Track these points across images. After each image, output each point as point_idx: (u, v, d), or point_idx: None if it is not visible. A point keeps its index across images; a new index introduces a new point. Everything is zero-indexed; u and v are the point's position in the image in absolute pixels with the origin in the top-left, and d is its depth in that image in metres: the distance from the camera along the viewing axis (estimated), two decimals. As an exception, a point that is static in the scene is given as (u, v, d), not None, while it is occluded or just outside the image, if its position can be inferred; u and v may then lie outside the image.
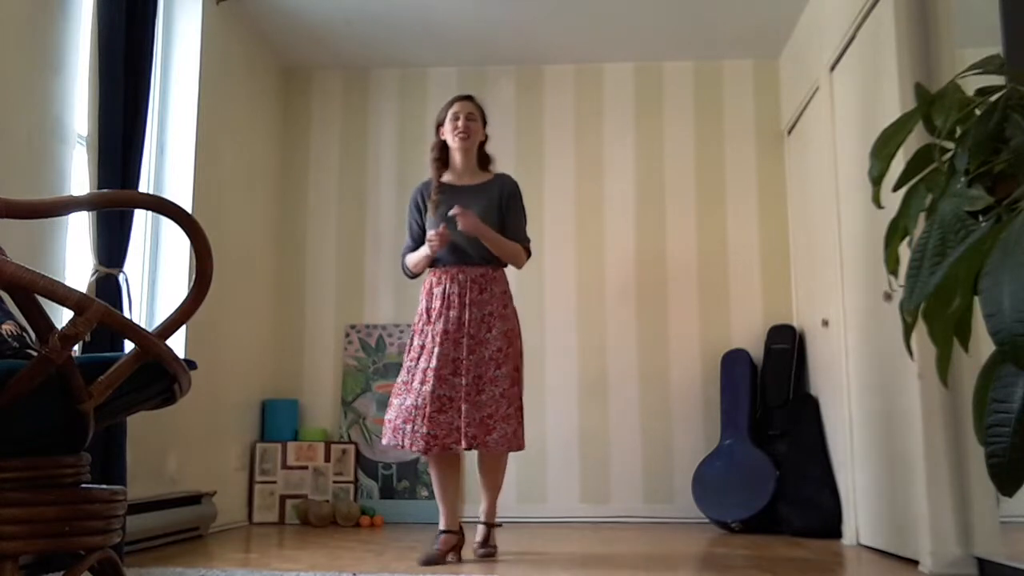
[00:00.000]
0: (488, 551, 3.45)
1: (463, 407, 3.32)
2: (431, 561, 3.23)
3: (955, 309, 1.30)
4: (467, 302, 3.43)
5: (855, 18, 3.68)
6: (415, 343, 3.47)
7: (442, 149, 3.65)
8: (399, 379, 3.46)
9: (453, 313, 3.42)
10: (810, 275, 4.64)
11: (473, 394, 3.34)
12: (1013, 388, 1.17)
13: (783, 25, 4.82)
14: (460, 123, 3.56)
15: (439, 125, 3.65)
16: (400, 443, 3.33)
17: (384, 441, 3.40)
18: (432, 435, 3.29)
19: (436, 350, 3.37)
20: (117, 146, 3.17)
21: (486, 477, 3.53)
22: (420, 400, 3.32)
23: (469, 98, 3.68)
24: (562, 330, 5.07)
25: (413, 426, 3.30)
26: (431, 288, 3.51)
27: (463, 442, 3.31)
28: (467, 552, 3.46)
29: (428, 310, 3.48)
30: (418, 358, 3.42)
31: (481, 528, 3.52)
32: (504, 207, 3.58)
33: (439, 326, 3.41)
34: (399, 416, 3.35)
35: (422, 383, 3.34)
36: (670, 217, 5.15)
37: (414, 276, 3.62)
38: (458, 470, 3.52)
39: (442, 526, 3.42)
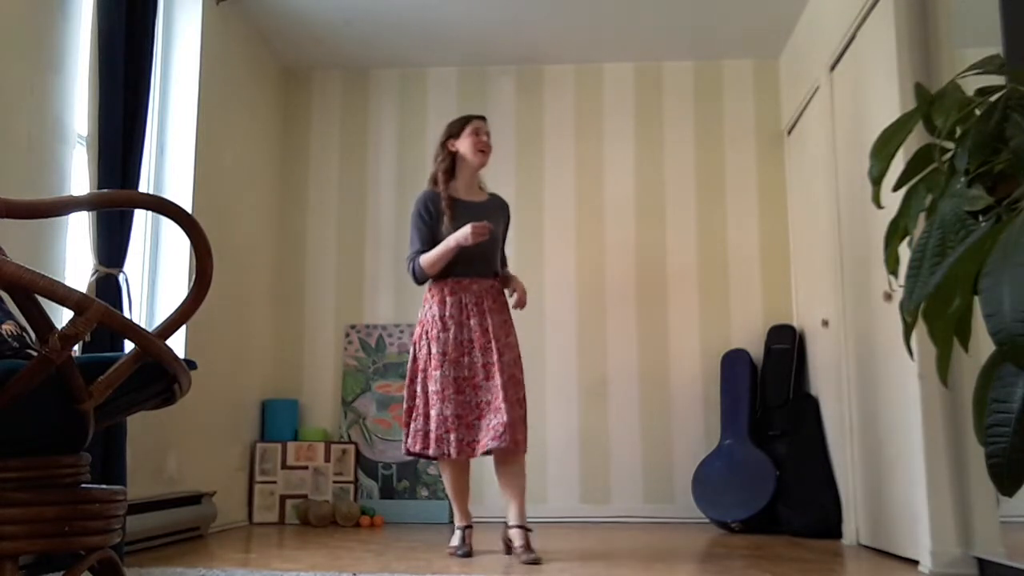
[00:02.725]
0: (534, 557, 3.31)
1: (503, 407, 3.37)
2: (468, 554, 3.45)
3: (955, 309, 1.30)
4: (485, 309, 3.54)
5: (855, 18, 3.68)
6: (434, 351, 3.49)
7: (451, 161, 3.69)
8: (430, 388, 3.48)
9: (474, 321, 3.52)
10: (810, 275, 4.64)
11: (511, 394, 3.44)
12: (1013, 388, 1.17)
13: (783, 25, 4.82)
14: (485, 139, 3.68)
15: (451, 138, 3.69)
16: (446, 451, 3.43)
17: (419, 450, 3.49)
18: (475, 441, 3.44)
19: (466, 359, 3.48)
20: (117, 146, 3.17)
21: (514, 482, 3.49)
22: (461, 409, 3.44)
23: (484, 119, 3.78)
24: (562, 330, 5.07)
25: (457, 434, 3.42)
26: (444, 297, 3.54)
27: (506, 441, 3.33)
28: (498, 557, 3.45)
29: (443, 318, 3.52)
30: (441, 365, 3.47)
31: (519, 532, 3.41)
32: (504, 230, 3.77)
33: (464, 335, 3.50)
34: (440, 427, 3.44)
35: (457, 392, 3.45)
36: (670, 217, 5.15)
37: (425, 280, 3.61)
38: (468, 470, 3.65)
39: (463, 523, 3.57)
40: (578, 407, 5.00)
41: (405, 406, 3.57)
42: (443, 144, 3.70)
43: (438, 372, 3.46)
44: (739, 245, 5.10)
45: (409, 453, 3.55)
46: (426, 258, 3.54)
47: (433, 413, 3.45)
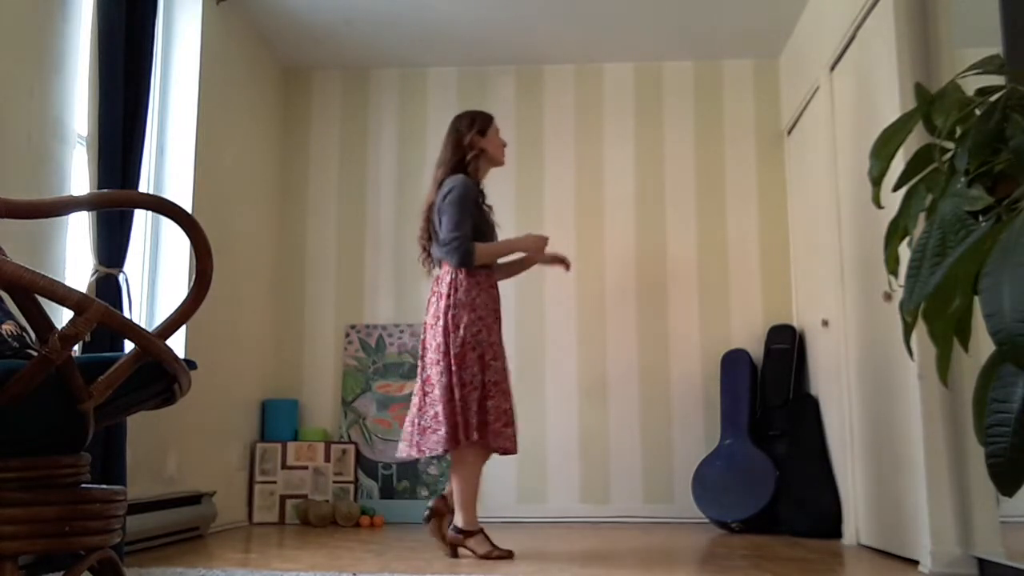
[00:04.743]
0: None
1: None
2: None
3: (955, 309, 1.30)
4: None
5: (855, 18, 3.68)
6: (490, 339, 3.44)
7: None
8: (486, 379, 3.39)
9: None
10: (810, 275, 4.64)
11: None
12: (1013, 388, 1.17)
13: (783, 25, 4.82)
14: (504, 142, 3.76)
15: (479, 134, 3.64)
16: (509, 447, 3.43)
17: (476, 439, 3.37)
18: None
19: (504, 356, 3.53)
20: (117, 146, 3.17)
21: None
22: (512, 404, 3.50)
23: None
24: (562, 330, 5.06)
25: (514, 429, 3.46)
26: (490, 288, 3.54)
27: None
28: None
29: (496, 310, 3.53)
30: (498, 357, 3.46)
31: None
32: None
33: (500, 329, 3.54)
34: (500, 420, 3.40)
35: (508, 386, 3.49)
36: (670, 217, 5.15)
37: (470, 266, 3.49)
38: None
39: (478, 524, 3.46)
40: (578, 407, 5.00)
41: (457, 393, 3.35)
42: (473, 138, 3.62)
43: (496, 363, 3.43)
44: (739, 245, 5.10)
45: (453, 444, 3.35)
46: (484, 249, 3.52)
47: (491, 405, 3.38)
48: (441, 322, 3.44)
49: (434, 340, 3.46)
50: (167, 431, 3.83)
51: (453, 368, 3.37)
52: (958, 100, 1.49)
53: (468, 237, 3.47)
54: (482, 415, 3.37)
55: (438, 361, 3.42)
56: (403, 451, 3.49)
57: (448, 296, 3.46)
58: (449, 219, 3.47)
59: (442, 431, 3.36)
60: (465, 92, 5.30)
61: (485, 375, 3.39)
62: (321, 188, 5.33)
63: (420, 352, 3.56)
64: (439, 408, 3.38)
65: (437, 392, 3.40)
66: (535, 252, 3.69)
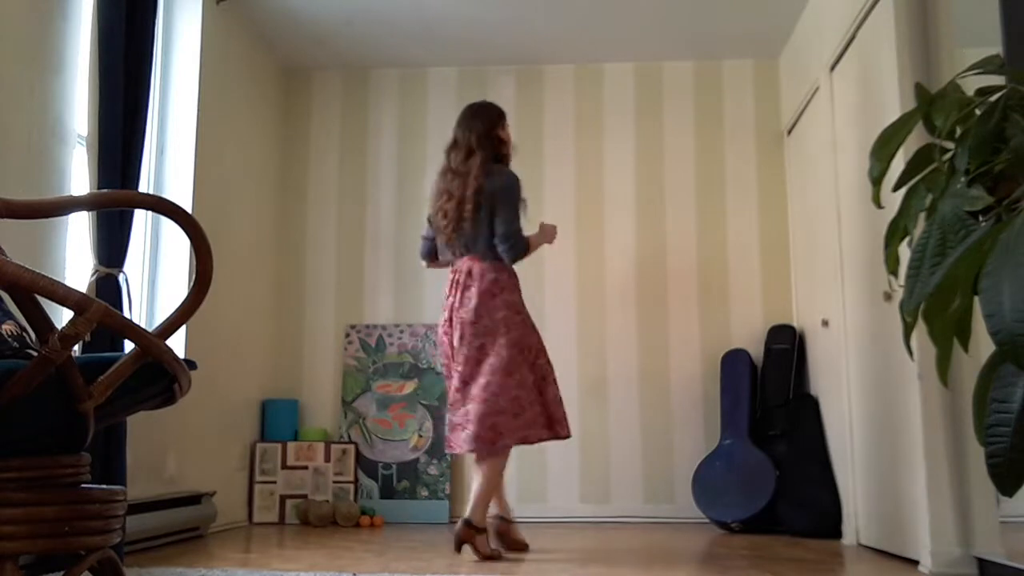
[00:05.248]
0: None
1: None
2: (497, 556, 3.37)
3: (955, 309, 1.30)
4: None
5: (855, 18, 3.68)
6: (534, 340, 3.49)
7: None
8: (535, 376, 3.45)
9: None
10: (810, 275, 4.64)
11: None
12: (1013, 388, 1.18)
13: (783, 25, 4.82)
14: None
15: (503, 128, 3.66)
16: (566, 431, 3.53)
17: (546, 436, 3.48)
18: None
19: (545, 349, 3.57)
20: (117, 146, 3.17)
21: None
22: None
23: None
24: (562, 330, 5.06)
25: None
26: (516, 285, 3.56)
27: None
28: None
29: (522, 307, 3.54)
30: (541, 355, 3.50)
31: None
32: None
33: (530, 320, 3.56)
34: (560, 408, 3.51)
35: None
36: (670, 217, 5.15)
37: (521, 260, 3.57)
38: None
39: (497, 513, 3.51)
40: (578, 407, 4.99)
41: (514, 394, 3.37)
42: (500, 131, 3.64)
43: (542, 360, 3.50)
44: (739, 245, 5.10)
45: (516, 442, 3.41)
46: (534, 240, 3.60)
47: (549, 397, 3.48)
48: (485, 321, 3.42)
49: (476, 338, 3.41)
50: (167, 431, 3.83)
51: (500, 367, 3.38)
52: (958, 100, 1.49)
53: (523, 233, 3.54)
54: (541, 409, 3.44)
55: (479, 361, 3.40)
56: (447, 447, 3.57)
57: (492, 294, 3.45)
58: (509, 212, 3.47)
59: (471, 429, 3.37)
60: (465, 92, 5.29)
61: (537, 374, 3.45)
62: (321, 188, 5.33)
63: (448, 347, 3.51)
64: (471, 407, 3.39)
65: (474, 391, 3.40)
66: (551, 241, 3.75)
